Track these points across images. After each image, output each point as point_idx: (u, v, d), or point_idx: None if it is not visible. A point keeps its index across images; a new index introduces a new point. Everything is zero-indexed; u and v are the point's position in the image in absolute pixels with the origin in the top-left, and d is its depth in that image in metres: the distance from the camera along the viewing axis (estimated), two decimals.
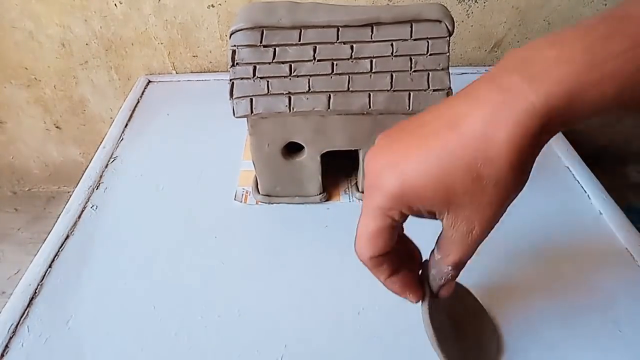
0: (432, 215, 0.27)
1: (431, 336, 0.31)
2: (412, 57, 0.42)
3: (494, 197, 0.25)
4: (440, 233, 0.28)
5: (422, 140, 0.26)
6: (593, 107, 0.25)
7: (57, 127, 0.88)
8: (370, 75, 0.42)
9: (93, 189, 0.53)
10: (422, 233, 0.32)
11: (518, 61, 0.26)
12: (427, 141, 0.26)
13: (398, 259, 0.30)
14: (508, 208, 0.27)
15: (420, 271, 0.32)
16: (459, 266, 0.29)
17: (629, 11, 0.25)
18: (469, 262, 0.29)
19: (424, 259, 0.32)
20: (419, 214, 0.27)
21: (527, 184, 0.27)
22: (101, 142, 0.61)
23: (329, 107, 0.42)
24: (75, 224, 0.49)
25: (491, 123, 0.24)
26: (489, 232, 0.27)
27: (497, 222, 0.27)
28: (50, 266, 0.44)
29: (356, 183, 0.51)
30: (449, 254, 0.28)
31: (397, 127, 0.29)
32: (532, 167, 0.26)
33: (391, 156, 0.27)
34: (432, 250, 0.30)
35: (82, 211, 0.50)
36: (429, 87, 0.42)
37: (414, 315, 0.39)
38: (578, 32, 0.25)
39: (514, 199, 0.26)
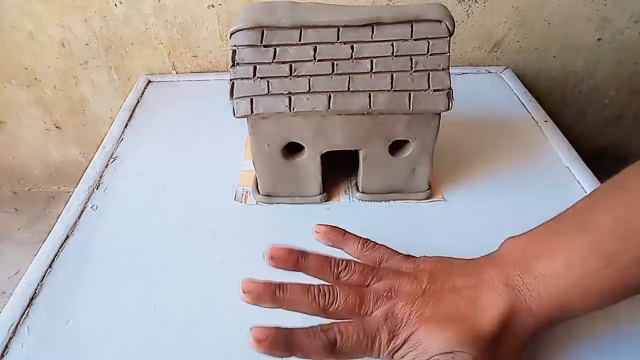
0: None
1: None
2: (413, 57, 0.42)
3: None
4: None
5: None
6: (578, 313, 0.31)
7: (57, 127, 0.88)
8: (371, 75, 0.42)
9: (93, 189, 0.53)
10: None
11: (517, 264, 0.32)
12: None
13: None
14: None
15: None
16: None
17: (597, 222, 0.30)
18: None
19: None
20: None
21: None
22: (101, 142, 0.61)
23: (329, 107, 0.42)
24: (75, 224, 0.49)
25: (503, 319, 0.30)
26: None
27: None
28: (50, 266, 0.44)
29: (356, 183, 0.51)
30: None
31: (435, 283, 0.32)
32: (522, 353, 0.32)
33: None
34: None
35: (82, 211, 0.50)
36: (429, 87, 0.42)
37: None
38: (563, 245, 0.31)
39: None
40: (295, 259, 0.33)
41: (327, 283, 0.32)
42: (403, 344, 0.29)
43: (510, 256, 0.32)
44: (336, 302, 0.31)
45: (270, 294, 0.31)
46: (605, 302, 0.31)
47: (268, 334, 0.28)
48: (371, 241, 0.37)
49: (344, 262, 0.34)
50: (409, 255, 0.36)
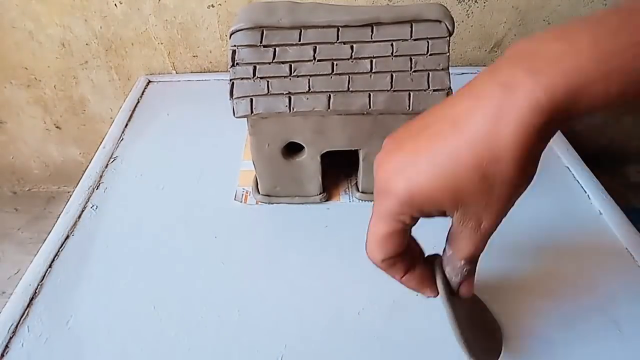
0: (442, 214, 0.27)
1: (455, 329, 0.31)
2: (412, 57, 0.42)
3: (502, 193, 0.25)
4: (450, 229, 0.29)
5: (428, 143, 0.26)
6: (599, 101, 0.24)
7: (57, 127, 0.88)
8: (371, 76, 0.42)
9: (93, 189, 0.53)
10: (427, 233, 0.32)
11: (523, 54, 0.25)
12: (433, 143, 0.26)
13: (411, 257, 0.30)
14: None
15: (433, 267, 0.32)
16: (471, 260, 0.29)
17: (638, 4, 0.24)
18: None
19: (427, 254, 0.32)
20: (429, 215, 0.27)
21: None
22: (101, 142, 0.61)
23: (329, 107, 0.42)
24: (75, 224, 0.49)
25: (495, 121, 0.24)
26: (498, 225, 0.27)
27: (505, 215, 0.27)
28: (50, 266, 0.44)
29: (356, 183, 0.51)
30: (460, 249, 0.28)
31: (403, 129, 0.29)
32: (538, 160, 0.25)
33: (399, 161, 0.27)
34: (444, 247, 0.30)
35: (82, 211, 0.50)
36: (429, 87, 0.42)
37: (414, 315, 0.39)
38: (586, 24, 0.25)
39: (522, 192, 0.26)
40: None
41: None
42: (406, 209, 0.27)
43: (515, 53, 0.26)
44: None
45: None
46: (629, 92, 0.24)
47: None
48: None
49: None
50: None
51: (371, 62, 0.42)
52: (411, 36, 0.42)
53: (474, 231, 0.27)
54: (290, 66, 0.42)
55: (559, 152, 0.57)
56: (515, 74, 0.24)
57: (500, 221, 0.27)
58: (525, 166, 0.25)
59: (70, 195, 0.52)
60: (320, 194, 0.50)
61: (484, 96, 0.25)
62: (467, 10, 0.73)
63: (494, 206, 0.26)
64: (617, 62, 0.23)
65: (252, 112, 0.42)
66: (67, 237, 0.47)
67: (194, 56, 0.78)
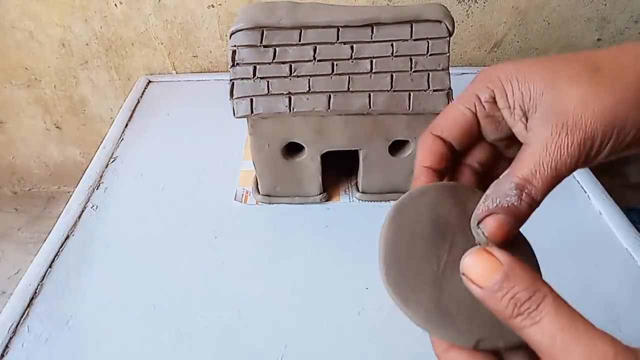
0: (522, 116, 0.22)
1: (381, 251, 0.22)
2: (412, 57, 0.42)
3: (608, 96, 0.21)
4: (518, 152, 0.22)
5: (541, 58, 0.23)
6: None
7: (57, 127, 0.88)
8: (371, 76, 0.42)
9: (93, 189, 0.53)
10: None
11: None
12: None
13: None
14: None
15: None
16: (526, 189, 0.21)
17: None
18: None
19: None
20: (507, 108, 0.23)
21: None
22: (101, 142, 0.61)
23: (329, 108, 0.42)
24: (75, 224, 0.49)
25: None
26: (576, 163, 0.21)
27: (588, 150, 0.21)
28: (50, 266, 0.44)
29: (356, 183, 0.51)
30: (523, 167, 0.21)
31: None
32: None
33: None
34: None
35: (82, 211, 0.50)
36: (429, 88, 0.42)
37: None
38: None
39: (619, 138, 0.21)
40: None
41: None
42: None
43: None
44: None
45: None
46: None
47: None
48: None
49: None
50: None
51: (371, 62, 0.42)
52: (411, 36, 0.42)
53: (550, 146, 0.21)
54: (290, 66, 0.42)
55: None
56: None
57: (584, 152, 0.21)
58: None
59: (70, 195, 0.52)
60: (320, 194, 0.50)
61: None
62: (467, 10, 0.73)
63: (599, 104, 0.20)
64: None
65: (252, 112, 0.42)
66: (67, 237, 0.47)
67: (194, 56, 0.78)
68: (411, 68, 0.42)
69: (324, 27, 0.41)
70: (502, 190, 0.21)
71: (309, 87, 0.41)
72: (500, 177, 0.22)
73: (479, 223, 0.21)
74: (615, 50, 0.22)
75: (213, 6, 0.72)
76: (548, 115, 0.21)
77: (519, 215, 0.21)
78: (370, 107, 0.42)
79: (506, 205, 0.21)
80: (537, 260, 0.24)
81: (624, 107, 0.21)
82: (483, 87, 0.23)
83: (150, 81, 0.76)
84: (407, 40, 0.42)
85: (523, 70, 0.22)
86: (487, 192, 0.22)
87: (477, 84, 0.24)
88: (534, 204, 0.21)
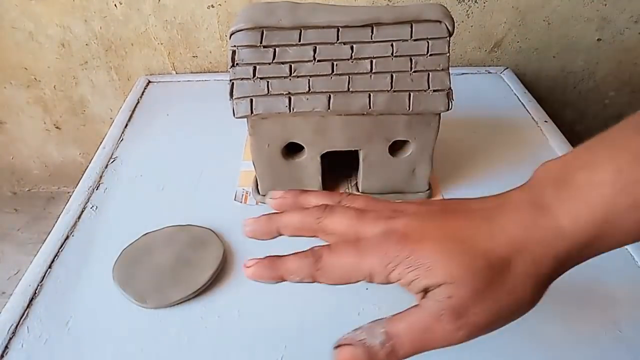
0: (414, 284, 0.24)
1: None
2: (412, 57, 0.42)
3: (499, 299, 0.24)
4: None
5: (452, 221, 0.26)
6: (626, 233, 0.24)
7: (57, 127, 0.88)
8: (371, 76, 0.42)
9: (93, 189, 0.53)
10: None
11: (551, 179, 0.26)
12: (456, 221, 0.26)
13: None
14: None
15: None
16: (392, 341, 0.23)
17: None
18: None
19: None
20: (398, 276, 0.25)
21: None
22: (101, 142, 0.61)
23: (329, 108, 0.42)
24: (75, 224, 0.49)
25: (521, 238, 0.24)
26: (456, 339, 0.24)
27: (476, 332, 0.24)
28: (50, 266, 0.44)
29: (356, 183, 0.51)
30: (401, 321, 0.24)
31: (444, 207, 0.27)
32: (545, 289, 0.26)
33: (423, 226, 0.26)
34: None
35: (82, 211, 0.50)
36: (429, 88, 0.42)
37: None
38: (609, 151, 0.25)
39: (512, 318, 0.25)
40: (295, 194, 0.31)
41: None
42: (400, 263, 0.24)
43: (544, 176, 0.26)
44: (333, 216, 0.28)
45: (263, 219, 0.30)
46: None
47: (257, 261, 0.28)
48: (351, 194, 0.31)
49: (348, 194, 0.30)
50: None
51: (371, 62, 0.42)
52: (411, 36, 0.42)
53: (439, 311, 0.23)
54: (290, 66, 0.42)
55: (559, 152, 0.57)
56: (544, 196, 0.25)
57: (470, 333, 0.24)
58: (536, 291, 0.25)
59: (70, 196, 0.52)
60: None
61: (515, 207, 0.25)
62: (467, 11, 0.73)
63: (482, 306, 0.24)
64: None
65: (252, 112, 0.42)
66: (67, 237, 0.47)
67: (194, 56, 0.78)
68: (411, 68, 0.42)
69: (324, 27, 0.41)
70: (374, 330, 0.24)
71: (309, 87, 0.41)
72: (382, 319, 0.25)
73: (337, 346, 0.24)
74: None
75: (213, 6, 0.72)
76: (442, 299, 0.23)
77: (374, 359, 0.23)
78: (370, 107, 0.42)
79: (368, 344, 0.23)
80: None
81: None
82: (392, 250, 0.25)
83: (150, 81, 0.76)
84: (407, 40, 0.42)
85: (434, 250, 0.24)
86: (364, 324, 0.25)
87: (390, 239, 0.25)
88: (393, 357, 0.23)
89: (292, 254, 0.28)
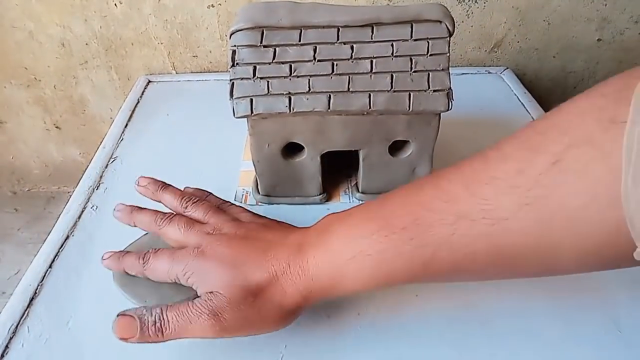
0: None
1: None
2: (413, 57, 0.42)
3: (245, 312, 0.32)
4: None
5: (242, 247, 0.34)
6: (351, 282, 0.31)
7: (57, 127, 0.88)
8: (371, 76, 0.42)
9: (93, 189, 0.53)
10: None
11: (320, 228, 0.34)
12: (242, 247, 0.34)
13: None
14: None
15: None
16: (163, 321, 0.32)
17: (385, 197, 0.33)
18: None
19: None
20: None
21: None
22: (101, 142, 0.61)
23: (329, 108, 0.42)
24: (75, 224, 0.49)
25: (279, 272, 0.32)
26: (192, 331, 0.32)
27: (220, 333, 0.32)
28: (50, 266, 0.44)
29: (356, 183, 0.51)
30: (175, 308, 0.32)
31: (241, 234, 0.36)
32: (294, 316, 0.34)
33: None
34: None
35: (82, 211, 0.50)
36: (429, 88, 0.42)
37: (414, 315, 0.39)
38: (361, 210, 0.33)
39: (259, 331, 0.33)
40: (155, 188, 0.39)
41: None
42: (193, 272, 0.33)
43: (321, 221, 0.35)
44: (170, 225, 0.36)
45: (128, 210, 0.39)
46: (379, 280, 0.31)
47: (111, 254, 0.37)
48: (196, 198, 0.39)
49: (196, 199, 0.38)
50: (255, 214, 0.39)
51: (371, 62, 0.42)
52: (411, 36, 0.42)
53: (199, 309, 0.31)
54: (290, 66, 0.42)
55: None
56: (308, 240, 0.33)
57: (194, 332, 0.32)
58: (278, 313, 0.32)
59: (70, 195, 0.52)
60: (320, 194, 0.50)
61: (287, 246, 0.33)
62: (467, 11, 0.73)
63: (233, 314, 0.31)
64: (360, 246, 0.30)
65: (252, 112, 0.42)
66: (67, 237, 0.47)
67: (194, 56, 0.78)
68: (411, 68, 0.42)
69: (324, 27, 0.41)
70: (153, 310, 0.32)
71: (309, 87, 0.41)
72: (165, 305, 0.32)
73: (118, 315, 0.33)
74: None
75: (213, 6, 0.72)
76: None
77: (144, 331, 0.32)
78: (370, 107, 0.42)
79: (144, 319, 0.32)
80: None
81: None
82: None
83: (150, 81, 0.76)
84: (407, 40, 0.42)
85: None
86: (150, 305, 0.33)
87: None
88: (160, 334, 0.32)
89: (133, 253, 0.36)
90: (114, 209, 0.39)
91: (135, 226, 0.38)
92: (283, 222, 0.38)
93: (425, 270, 0.30)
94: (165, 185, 0.40)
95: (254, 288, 0.31)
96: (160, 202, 0.39)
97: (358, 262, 0.30)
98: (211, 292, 0.32)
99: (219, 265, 0.32)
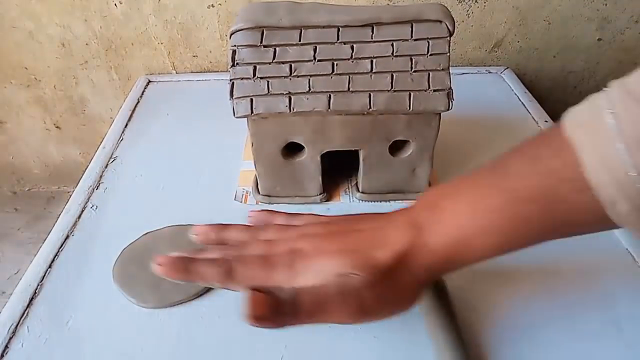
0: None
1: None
2: (413, 57, 0.42)
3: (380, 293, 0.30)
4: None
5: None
6: (478, 252, 0.30)
7: (57, 127, 0.88)
8: (371, 76, 0.42)
9: (93, 189, 0.53)
10: None
11: (428, 204, 0.32)
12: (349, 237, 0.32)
13: None
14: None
15: None
16: (297, 302, 0.29)
17: (508, 167, 0.31)
18: None
19: None
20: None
21: None
22: (101, 142, 0.61)
23: (329, 107, 0.42)
24: (75, 224, 0.49)
25: (402, 252, 0.30)
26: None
27: (356, 319, 0.31)
28: (50, 266, 0.44)
29: (356, 183, 0.51)
30: (309, 292, 0.30)
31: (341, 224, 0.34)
32: (421, 292, 0.32)
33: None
34: None
35: (82, 211, 0.50)
36: (429, 88, 0.42)
37: (413, 315, 0.39)
38: (470, 185, 0.32)
39: (394, 312, 0.32)
40: (216, 229, 0.35)
41: None
42: (303, 270, 0.30)
43: (422, 200, 0.33)
44: (248, 249, 0.32)
45: (179, 264, 0.31)
46: (508, 243, 0.30)
47: (168, 260, 0.31)
48: (298, 213, 0.38)
49: (263, 226, 0.36)
50: (333, 216, 0.37)
51: (371, 62, 0.42)
52: (411, 36, 0.42)
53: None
54: (291, 66, 0.42)
55: None
56: (419, 218, 0.31)
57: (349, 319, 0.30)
58: (410, 292, 0.31)
59: (70, 195, 0.52)
60: (320, 194, 0.50)
61: (396, 227, 0.32)
62: (467, 10, 0.73)
63: (371, 294, 0.30)
64: (489, 220, 0.29)
65: (252, 112, 0.42)
66: (67, 237, 0.47)
67: (194, 56, 0.78)
68: (411, 68, 0.42)
69: (324, 27, 0.41)
70: (285, 289, 0.30)
71: (309, 87, 0.41)
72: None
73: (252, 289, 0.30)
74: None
75: (213, 6, 0.72)
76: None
77: (279, 307, 0.29)
78: (370, 107, 0.42)
79: (278, 297, 0.30)
80: None
81: None
82: None
83: (150, 81, 0.76)
84: (407, 40, 0.42)
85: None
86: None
87: None
88: (295, 318, 0.29)
89: (205, 259, 0.31)
90: (156, 264, 0.31)
91: (192, 281, 0.31)
92: (353, 214, 0.36)
93: (547, 235, 0.30)
94: (224, 225, 0.35)
95: (384, 268, 0.30)
96: (225, 243, 0.35)
97: (485, 235, 0.29)
98: (344, 275, 0.29)
99: (335, 254, 0.30)
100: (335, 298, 0.29)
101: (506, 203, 0.29)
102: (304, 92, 0.42)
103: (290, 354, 0.37)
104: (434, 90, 0.42)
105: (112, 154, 0.59)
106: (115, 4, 0.72)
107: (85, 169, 0.56)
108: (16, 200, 0.99)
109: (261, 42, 0.41)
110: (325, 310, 0.29)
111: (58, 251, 0.45)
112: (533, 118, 0.64)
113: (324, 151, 0.46)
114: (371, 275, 0.29)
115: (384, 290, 0.30)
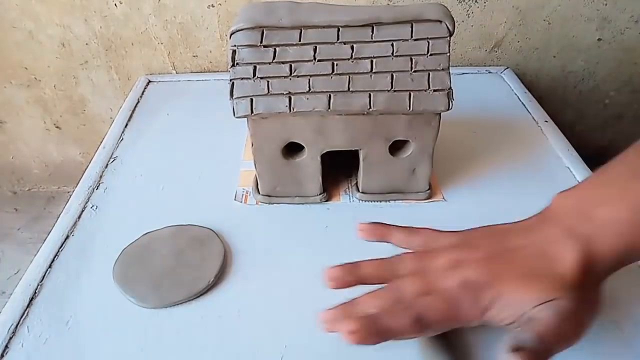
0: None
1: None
2: (413, 57, 0.42)
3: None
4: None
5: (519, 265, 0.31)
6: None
7: (57, 127, 0.88)
8: (371, 76, 0.42)
9: (93, 189, 0.53)
10: None
11: (574, 213, 0.31)
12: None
13: None
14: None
15: None
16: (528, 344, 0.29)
17: None
18: None
19: None
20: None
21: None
22: (101, 142, 0.61)
23: (329, 107, 0.42)
24: (75, 224, 0.49)
25: (583, 262, 0.30)
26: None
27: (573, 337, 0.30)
28: (50, 266, 0.44)
29: (356, 183, 0.51)
30: (534, 329, 0.29)
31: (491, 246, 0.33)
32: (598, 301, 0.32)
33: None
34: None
35: (82, 211, 0.50)
36: (429, 87, 0.42)
37: None
38: (621, 185, 0.31)
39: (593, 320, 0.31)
40: (351, 276, 0.33)
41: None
42: (492, 303, 0.29)
43: (564, 210, 0.32)
44: (403, 289, 0.31)
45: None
46: None
47: (359, 325, 0.29)
48: (414, 227, 0.37)
49: (395, 257, 0.34)
50: (453, 231, 0.36)
51: (371, 62, 0.42)
52: (411, 36, 0.42)
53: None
54: (291, 66, 0.42)
55: (559, 152, 0.57)
56: (576, 228, 0.31)
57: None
58: (599, 297, 0.31)
59: (70, 195, 0.52)
60: (320, 194, 0.50)
61: (555, 240, 0.31)
62: (467, 10, 0.73)
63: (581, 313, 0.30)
64: None
65: (252, 112, 0.42)
66: (67, 237, 0.47)
67: (194, 56, 0.78)
68: (411, 68, 0.42)
69: (324, 27, 0.41)
70: (521, 335, 0.29)
71: (309, 87, 0.41)
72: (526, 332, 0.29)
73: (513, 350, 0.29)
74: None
75: (213, 6, 0.72)
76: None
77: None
78: (370, 107, 0.42)
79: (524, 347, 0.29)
80: None
81: None
82: None
83: (150, 81, 0.76)
84: (407, 40, 0.42)
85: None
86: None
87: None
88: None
89: (386, 312, 0.31)
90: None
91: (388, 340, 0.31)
92: (487, 226, 0.35)
93: None
94: (353, 264, 0.34)
95: (573, 284, 0.30)
96: (363, 283, 0.34)
97: None
98: (545, 304, 0.29)
99: (520, 282, 0.30)
100: (554, 328, 0.29)
101: None
102: (304, 92, 0.42)
103: (290, 354, 0.37)
104: (434, 90, 0.42)
105: (112, 154, 0.59)
106: (115, 4, 0.72)
107: (85, 169, 0.56)
108: (16, 200, 0.99)
109: (261, 42, 0.41)
110: (559, 343, 0.29)
111: (58, 251, 0.45)
112: (533, 118, 0.64)
113: (324, 151, 0.46)
114: (570, 296, 0.29)
115: (581, 304, 0.30)
